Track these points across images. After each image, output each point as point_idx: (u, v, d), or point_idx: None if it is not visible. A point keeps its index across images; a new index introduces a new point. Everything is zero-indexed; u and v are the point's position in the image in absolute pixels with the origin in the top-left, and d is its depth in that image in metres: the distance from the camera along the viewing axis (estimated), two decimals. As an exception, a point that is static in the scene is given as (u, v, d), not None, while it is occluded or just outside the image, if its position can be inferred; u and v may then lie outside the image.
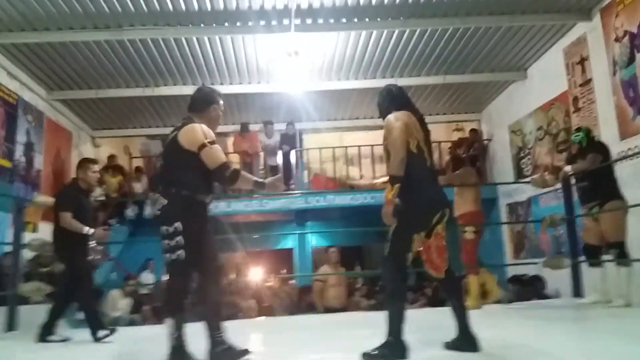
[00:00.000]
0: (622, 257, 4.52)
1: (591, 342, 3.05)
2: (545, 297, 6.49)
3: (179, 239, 2.70)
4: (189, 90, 8.16)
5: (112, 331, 4.01)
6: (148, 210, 2.91)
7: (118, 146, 10.99)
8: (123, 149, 11.04)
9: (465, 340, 2.72)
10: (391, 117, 2.86)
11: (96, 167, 4.49)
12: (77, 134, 9.51)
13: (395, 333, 2.61)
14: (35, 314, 5.88)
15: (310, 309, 7.30)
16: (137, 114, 9.63)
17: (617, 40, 6.08)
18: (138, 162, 10.47)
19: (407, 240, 2.73)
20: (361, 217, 10.63)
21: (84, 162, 4.52)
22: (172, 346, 2.67)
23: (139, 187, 9.90)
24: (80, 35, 6.42)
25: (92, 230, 4.11)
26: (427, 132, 2.92)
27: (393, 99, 3.02)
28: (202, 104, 3.04)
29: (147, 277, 8.93)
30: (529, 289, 6.67)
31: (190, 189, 2.79)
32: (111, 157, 10.12)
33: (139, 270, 9.02)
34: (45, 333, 4.02)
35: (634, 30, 5.77)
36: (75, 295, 4.21)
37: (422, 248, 2.83)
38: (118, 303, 7.63)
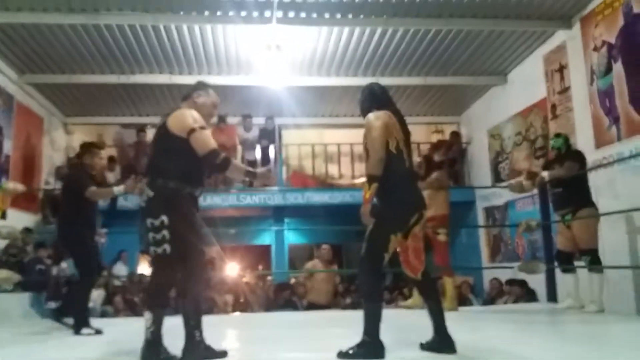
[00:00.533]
0: (595, 263, 4.57)
1: (564, 347, 3.06)
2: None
3: (165, 232, 2.61)
4: (165, 79, 8.06)
5: (98, 332, 3.87)
6: (135, 201, 2.76)
7: (91, 134, 10.71)
8: (97, 138, 10.78)
9: (441, 342, 2.70)
10: (372, 116, 2.83)
11: (103, 153, 4.39)
12: (48, 119, 9.24)
13: (372, 333, 2.60)
14: (4, 302, 5.76)
15: (287, 305, 7.23)
16: (111, 101, 9.40)
17: (595, 49, 6.14)
18: (111, 152, 10.22)
19: (384, 240, 2.71)
20: (340, 216, 10.61)
21: (91, 147, 4.39)
22: (147, 340, 2.59)
23: (111, 177, 9.67)
24: (54, 18, 6.21)
25: (122, 187, 4.00)
26: (407, 134, 2.90)
27: (375, 98, 2.99)
28: (187, 92, 3.00)
29: (120, 269, 8.77)
30: (526, 290, 6.70)
31: (178, 180, 2.69)
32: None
33: (112, 261, 8.84)
34: (80, 325, 3.89)
35: (612, 40, 5.84)
36: (77, 283, 4.14)
37: (399, 249, 2.81)
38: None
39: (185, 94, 2.99)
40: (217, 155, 2.71)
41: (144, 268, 11.53)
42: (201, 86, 3.04)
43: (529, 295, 6.64)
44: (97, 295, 7.48)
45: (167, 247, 2.61)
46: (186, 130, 2.67)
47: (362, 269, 2.72)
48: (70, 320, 3.95)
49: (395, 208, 2.75)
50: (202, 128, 2.70)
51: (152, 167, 2.77)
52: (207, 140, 2.71)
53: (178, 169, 2.69)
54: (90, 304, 7.13)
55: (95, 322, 4.19)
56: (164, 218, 2.61)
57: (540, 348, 2.93)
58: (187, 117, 2.72)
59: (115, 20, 6.31)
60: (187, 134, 2.67)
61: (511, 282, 6.96)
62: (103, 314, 7.03)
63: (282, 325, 4.41)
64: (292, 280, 9.53)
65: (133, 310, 7.55)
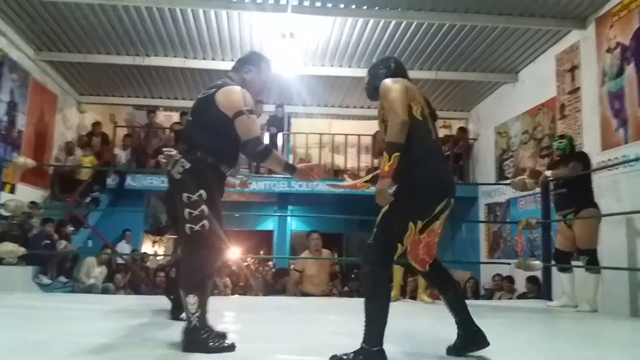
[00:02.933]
0: (592, 264, 4.62)
1: (554, 344, 3.12)
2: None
3: (204, 207, 2.41)
4: (179, 62, 8.13)
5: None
6: (171, 170, 2.41)
7: (104, 113, 10.86)
8: (109, 117, 10.92)
9: (470, 338, 2.34)
10: (388, 80, 2.41)
11: None
12: (62, 97, 9.37)
13: (373, 341, 2.16)
14: (8, 275, 5.91)
15: (285, 291, 7.34)
16: (125, 82, 9.51)
17: (608, 51, 6.14)
18: (123, 131, 10.35)
19: (400, 228, 2.25)
20: (343, 205, 10.72)
21: None
22: (194, 327, 2.36)
23: (122, 156, 9.82)
24: (73, -3, 6.31)
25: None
26: (432, 108, 2.53)
27: (389, 68, 2.58)
28: (239, 63, 2.78)
29: (124, 247, 8.93)
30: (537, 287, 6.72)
31: (217, 156, 2.53)
32: (96, 124, 10.00)
33: (116, 240, 9.00)
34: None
35: (626, 42, 5.83)
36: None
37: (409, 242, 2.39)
38: (93, 270, 7.63)
39: (236, 65, 2.78)
40: (260, 144, 2.55)
41: (148, 247, 11.74)
42: (252, 60, 2.78)
43: (538, 290, 6.64)
44: (99, 272, 7.66)
45: (205, 222, 2.41)
46: (234, 111, 2.49)
47: (366, 260, 2.27)
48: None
49: (421, 188, 2.28)
50: (249, 112, 2.52)
51: (189, 138, 2.57)
52: (252, 125, 2.53)
53: (217, 145, 2.52)
54: (92, 281, 7.39)
55: (97, 298, 4.27)
56: (202, 192, 2.42)
57: (529, 344, 2.98)
58: (239, 97, 2.53)
59: (132, 1, 6.39)
60: (234, 115, 2.49)
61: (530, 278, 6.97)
62: (104, 291, 7.18)
63: (280, 309, 4.51)
64: (292, 266, 9.65)
65: (134, 287, 7.73)
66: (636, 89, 5.66)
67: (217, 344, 2.35)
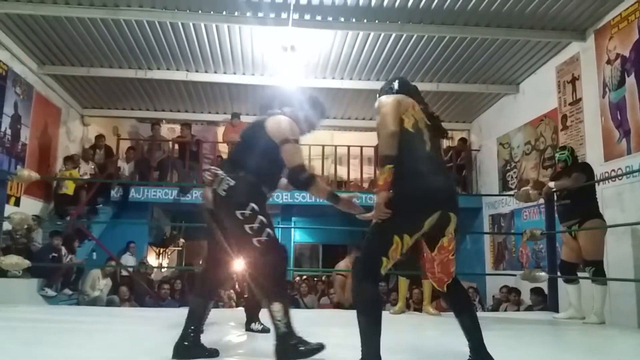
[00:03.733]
0: (599, 275, 4.60)
1: (561, 356, 3.10)
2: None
3: (260, 217, 2.49)
4: (181, 75, 8.19)
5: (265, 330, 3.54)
6: (217, 188, 2.46)
7: (107, 126, 10.91)
8: (112, 130, 10.97)
9: None
10: (382, 97, 2.50)
11: None
12: (66, 110, 9.42)
13: (370, 355, 2.14)
14: (12, 287, 5.91)
15: (291, 303, 7.33)
16: (128, 95, 9.56)
17: (609, 62, 6.17)
18: (126, 144, 10.39)
19: (384, 241, 2.24)
20: (347, 216, 10.68)
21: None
22: (283, 334, 2.39)
23: (126, 168, 9.84)
24: (75, 11, 6.36)
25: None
26: (433, 119, 2.52)
27: (393, 88, 2.63)
28: (298, 103, 2.91)
29: (128, 260, 8.92)
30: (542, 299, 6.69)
31: (259, 177, 2.61)
32: (99, 137, 10.03)
33: (120, 252, 9.00)
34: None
35: (626, 54, 5.86)
36: None
37: (425, 257, 2.41)
38: (98, 283, 7.62)
39: (294, 102, 2.91)
40: (303, 172, 2.61)
41: (152, 260, 11.73)
42: (310, 102, 2.94)
43: (544, 302, 6.61)
44: (104, 284, 7.65)
45: (269, 230, 2.49)
46: (281, 138, 2.60)
47: (353, 274, 2.30)
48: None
49: (405, 200, 2.24)
50: (295, 141, 2.63)
51: (235, 159, 2.70)
52: (298, 154, 2.62)
53: (261, 168, 2.61)
54: (97, 293, 7.38)
55: (101, 310, 4.27)
56: (253, 205, 2.49)
57: (536, 357, 2.97)
58: (287, 126, 2.65)
59: (135, 15, 6.44)
60: (281, 142, 2.60)
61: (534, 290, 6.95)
62: (109, 303, 7.17)
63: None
64: (297, 279, 9.63)
65: (138, 300, 7.71)
66: (637, 100, 5.67)
67: (307, 347, 2.40)
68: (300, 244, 13.12)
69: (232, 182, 2.53)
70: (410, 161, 2.29)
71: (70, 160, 8.73)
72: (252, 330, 3.55)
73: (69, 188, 8.61)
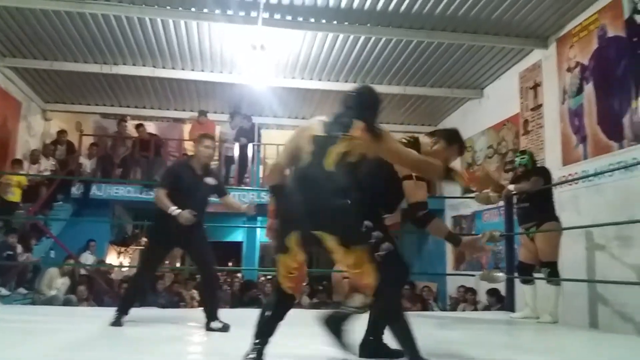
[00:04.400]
0: (553, 276, 4.75)
1: (518, 356, 3.18)
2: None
3: (377, 233, 2.55)
4: (148, 71, 8.07)
5: (225, 328, 3.61)
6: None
7: (70, 122, 10.63)
8: (75, 125, 10.70)
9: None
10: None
11: (208, 142, 4.00)
12: (27, 104, 9.16)
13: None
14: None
15: (253, 303, 7.30)
16: (92, 90, 9.36)
17: (569, 70, 6.37)
18: (89, 140, 10.16)
19: (273, 260, 2.42)
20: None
21: (199, 136, 4.10)
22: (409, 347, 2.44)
23: (88, 165, 9.63)
24: (38, 3, 6.21)
25: (178, 211, 3.63)
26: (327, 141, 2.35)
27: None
28: (439, 130, 2.88)
29: (88, 258, 8.73)
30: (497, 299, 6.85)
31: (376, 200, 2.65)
32: (61, 133, 9.79)
33: (80, 250, 8.80)
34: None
35: (586, 62, 6.06)
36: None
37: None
38: (55, 282, 7.43)
39: (435, 131, 2.87)
40: (423, 209, 2.62)
41: (113, 259, 11.49)
42: (450, 135, 2.81)
43: (500, 303, 6.79)
44: (61, 283, 7.46)
45: (386, 244, 2.55)
46: (405, 174, 2.61)
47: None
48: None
49: (277, 223, 2.40)
50: (418, 178, 2.60)
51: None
52: (419, 191, 2.61)
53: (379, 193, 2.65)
54: (54, 292, 7.19)
55: (58, 310, 4.18)
56: (367, 222, 2.52)
57: (493, 356, 3.04)
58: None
59: (101, 9, 6.32)
60: (404, 177, 2.61)
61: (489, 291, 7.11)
62: (66, 302, 6.98)
63: (245, 322, 4.47)
64: (261, 279, 9.60)
65: (97, 299, 7.54)
66: (595, 107, 5.88)
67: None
68: (265, 244, 13.07)
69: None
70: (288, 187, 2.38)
71: (18, 164, 8.21)
72: (212, 329, 3.53)
73: (15, 194, 7.90)
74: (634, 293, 4.70)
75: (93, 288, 7.78)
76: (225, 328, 3.54)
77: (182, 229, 3.62)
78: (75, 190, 8.90)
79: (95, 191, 8.91)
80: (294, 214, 2.28)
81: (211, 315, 3.61)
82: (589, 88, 6.00)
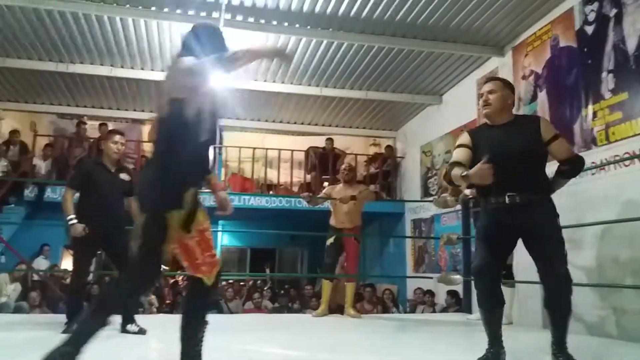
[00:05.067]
0: (508, 278, 4.87)
1: (472, 355, 3.25)
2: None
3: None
4: (105, 71, 7.88)
5: (142, 331, 3.58)
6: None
7: (24, 121, 10.28)
8: (29, 125, 10.35)
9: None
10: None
11: (117, 137, 4.02)
12: (-24, 103, 8.80)
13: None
14: None
15: (211, 307, 7.22)
16: (47, 89, 9.07)
17: (524, 78, 6.57)
18: (44, 141, 9.85)
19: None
20: (275, 220, 10.72)
21: (107, 132, 4.10)
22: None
23: (42, 166, 9.32)
24: (-10, -2, 5.98)
25: (73, 221, 3.69)
26: None
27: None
28: None
29: (41, 263, 8.44)
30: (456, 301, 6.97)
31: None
32: (13, 132, 9.44)
33: (34, 255, 8.51)
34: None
35: (539, 70, 6.27)
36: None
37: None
38: (5, 288, 7.15)
39: None
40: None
41: (69, 264, 11.16)
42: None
43: (458, 305, 6.93)
44: (12, 290, 7.19)
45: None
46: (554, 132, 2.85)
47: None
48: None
49: None
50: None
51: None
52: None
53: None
54: (4, 299, 6.91)
55: (9, 318, 4.04)
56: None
57: (450, 356, 3.10)
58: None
59: (57, 6, 6.12)
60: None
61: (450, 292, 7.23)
62: (17, 310, 6.70)
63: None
64: (222, 283, 9.49)
65: (50, 306, 7.26)
66: (548, 114, 6.08)
67: None
68: (227, 248, 12.96)
69: None
70: None
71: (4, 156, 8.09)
72: (128, 332, 3.50)
73: None
74: (584, 294, 4.88)
75: (46, 294, 7.52)
76: (141, 331, 3.58)
77: (101, 231, 3.59)
78: (29, 192, 8.61)
79: (50, 194, 8.63)
80: None
81: (128, 318, 3.62)
82: (542, 96, 6.20)
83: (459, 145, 2.99)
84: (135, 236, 2.13)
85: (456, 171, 2.77)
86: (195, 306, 2.30)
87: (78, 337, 1.97)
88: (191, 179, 2.23)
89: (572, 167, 2.87)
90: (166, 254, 2.14)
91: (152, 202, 2.12)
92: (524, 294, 5.51)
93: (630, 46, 4.92)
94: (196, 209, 2.22)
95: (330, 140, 10.43)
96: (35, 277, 8.06)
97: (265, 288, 9.16)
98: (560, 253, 2.70)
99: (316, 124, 10.60)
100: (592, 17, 5.45)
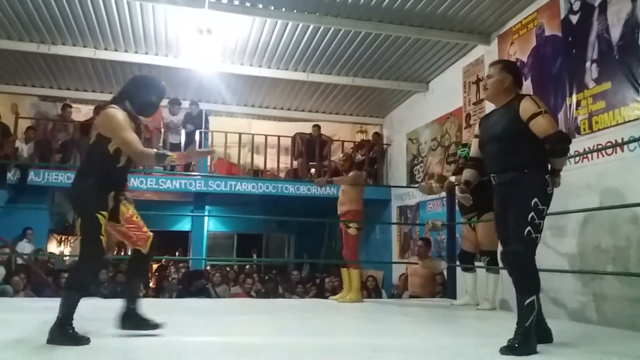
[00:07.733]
0: (492, 264, 4.95)
1: (454, 339, 3.31)
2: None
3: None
4: (89, 53, 7.75)
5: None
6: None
7: (4, 103, 10.07)
8: (10, 107, 10.15)
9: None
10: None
11: None
12: (-44, 84, 8.61)
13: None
14: None
15: (200, 293, 7.22)
16: (29, 71, 8.90)
17: (509, 66, 6.59)
18: (26, 123, 9.68)
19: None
20: (262, 206, 10.72)
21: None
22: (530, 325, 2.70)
23: (25, 149, 9.18)
24: (-31, -23, 5.83)
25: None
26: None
27: None
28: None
29: (24, 247, 8.36)
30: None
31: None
32: (-6, 115, 9.28)
33: (17, 239, 8.41)
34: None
35: (525, 59, 6.30)
36: None
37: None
38: (-14, 272, 7.08)
39: None
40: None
41: (54, 248, 11.07)
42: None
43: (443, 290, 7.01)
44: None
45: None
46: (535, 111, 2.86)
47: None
48: None
49: None
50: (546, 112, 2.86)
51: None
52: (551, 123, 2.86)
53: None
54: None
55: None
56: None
57: (435, 340, 3.15)
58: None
59: (38, -14, 6.01)
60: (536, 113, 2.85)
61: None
62: (1, 294, 6.64)
63: (192, 311, 4.44)
64: (208, 268, 9.51)
65: (36, 290, 7.22)
66: (532, 103, 6.12)
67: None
68: (214, 233, 12.95)
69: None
70: None
71: None
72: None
73: None
74: (565, 280, 4.98)
75: (30, 278, 7.45)
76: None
77: None
78: (11, 176, 8.48)
79: (33, 177, 8.51)
80: None
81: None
82: (527, 84, 6.20)
83: (475, 137, 3.24)
84: (79, 232, 2.76)
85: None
86: (137, 269, 3.04)
87: (65, 314, 2.61)
88: (111, 187, 2.83)
89: (551, 146, 2.85)
90: (105, 240, 2.74)
91: (84, 207, 2.75)
92: (507, 279, 5.59)
93: (614, 36, 4.96)
94: (118, 206, 2.88)
95: (317, 126, 10.40)
96: (20, 261, 7.98)
97: (253, 274, 9.17)
98: (518, 230, 2.72)
99: (303, 110, 10.55)
100: (577, 5, 5.48)
